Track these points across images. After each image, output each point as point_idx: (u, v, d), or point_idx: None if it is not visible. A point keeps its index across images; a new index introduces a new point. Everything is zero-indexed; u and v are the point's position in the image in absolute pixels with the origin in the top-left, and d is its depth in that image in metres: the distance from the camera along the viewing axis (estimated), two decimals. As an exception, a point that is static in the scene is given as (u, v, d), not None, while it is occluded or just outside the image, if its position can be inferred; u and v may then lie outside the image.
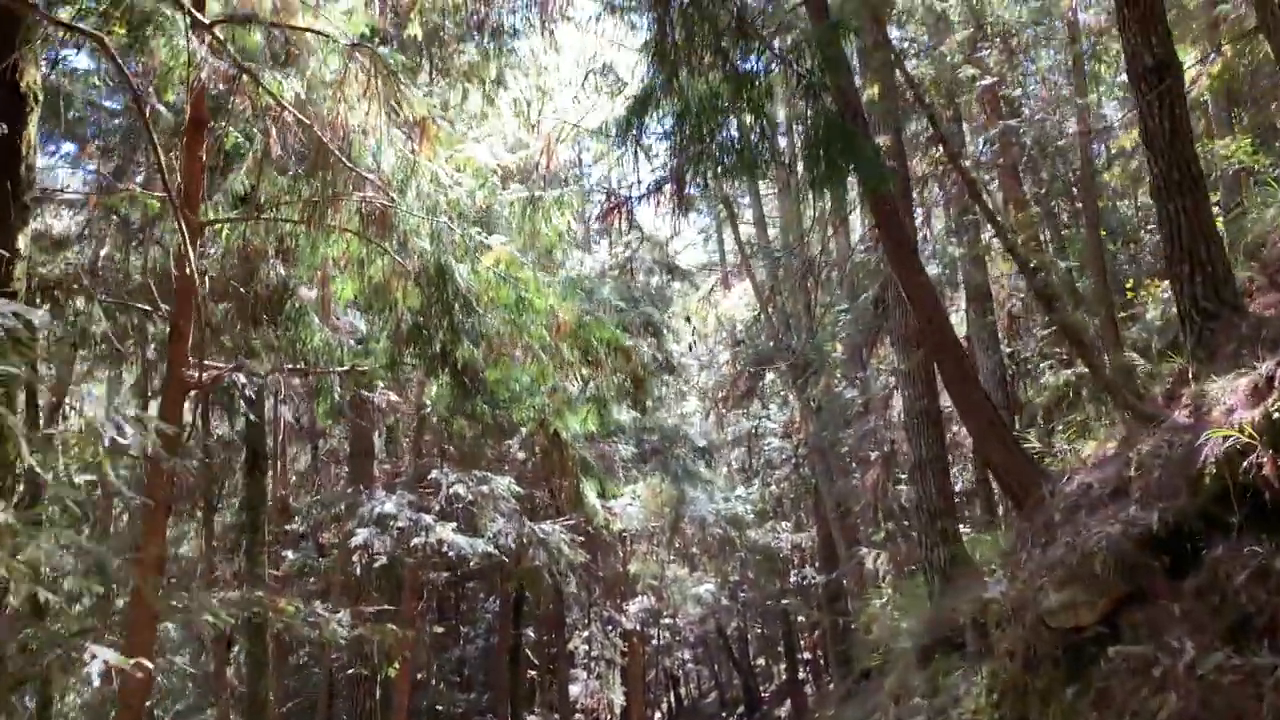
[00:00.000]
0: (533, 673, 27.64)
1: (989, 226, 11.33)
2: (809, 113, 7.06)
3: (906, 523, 14.71)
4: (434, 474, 11.55)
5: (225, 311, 8.31)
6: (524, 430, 14.47)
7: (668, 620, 35.78)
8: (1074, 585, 5.12)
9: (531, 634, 26.69)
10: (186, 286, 6.54)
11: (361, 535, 12.05)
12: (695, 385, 24.19)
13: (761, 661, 48.05)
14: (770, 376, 22.44)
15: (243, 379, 6.74)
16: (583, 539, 16.16)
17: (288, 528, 17.38)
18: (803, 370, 16.73)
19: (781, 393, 21.95)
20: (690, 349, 22.40)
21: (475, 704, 23.10)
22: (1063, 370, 10.45)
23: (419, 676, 21.72)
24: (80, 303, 8.08)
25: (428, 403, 11.10)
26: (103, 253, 9.57)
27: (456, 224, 7.29)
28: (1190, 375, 5.91)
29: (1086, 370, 9.10)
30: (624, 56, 19.70)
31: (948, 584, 10.50)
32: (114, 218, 9.20)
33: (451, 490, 11.51)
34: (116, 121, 10.77)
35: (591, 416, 8.03)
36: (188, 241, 6.26)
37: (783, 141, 12.93)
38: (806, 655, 41.13)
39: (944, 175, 12.11)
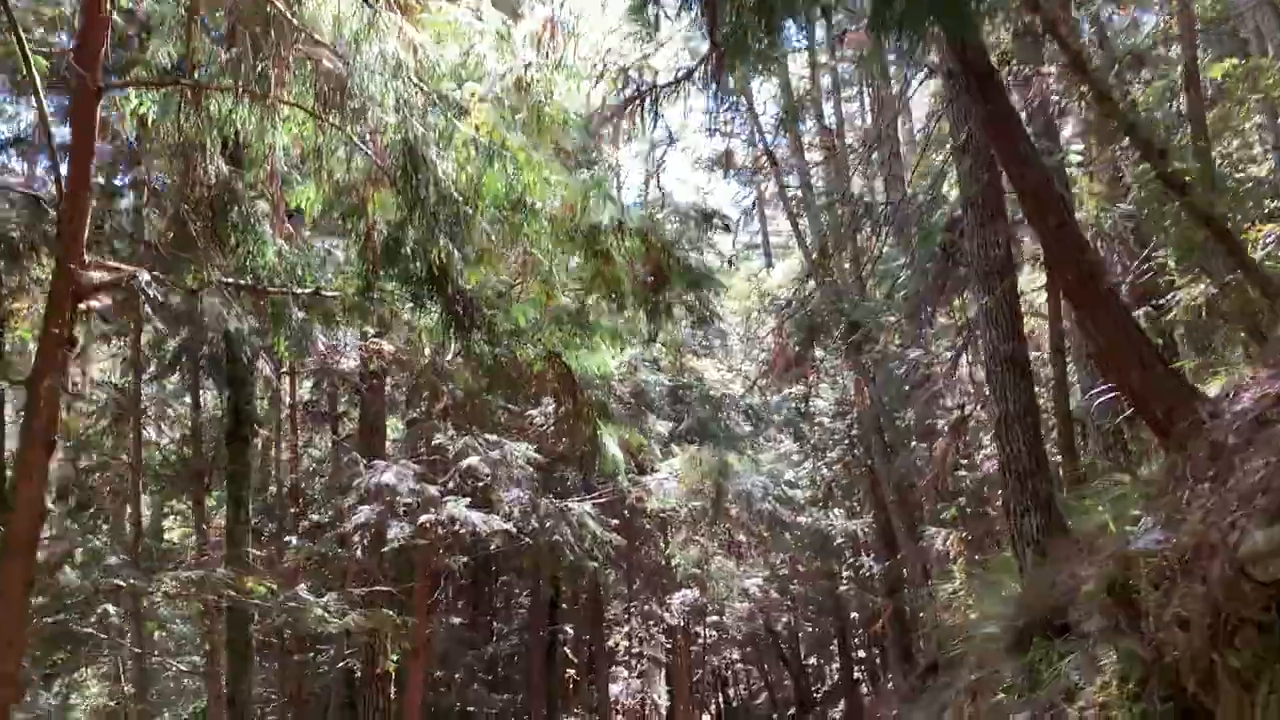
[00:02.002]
0: (571, 671, 26.22)
1: (1087, 106, 9.59)
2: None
3: (984, 493, 13.01)
4: (438, 439, 10.10)
5: (157, 215, 6.91)
6: (544, 400, 13.04)
7: (714, 617, 34.23)
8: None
9: (570, 631, 25.28)
10: (82, 171, 5.12)
11: (363, 513, 10.65)
12: (739, 367, 22.50)
13: (813, 661, 46.19)
14: (820, 354, 20.75)
15: (151, 287, 5.32)
16: (617, 522, 14.64)
17: (314, 518, 16.15)
18: (855, 333, 15.06)
19: (833, 368, 20.20)
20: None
21: (510, 704, 21.68)
22: (1194, 285, 8.68)
23: (439, 674, 20.37)
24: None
25: (424, 346, 9.67)
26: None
27: (430, 104, 5.80)
28: None
29: (1217, 290, 7.39)
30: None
31: (1043, 557, 8.82)
32: None
33: (458, 453, 10.05)
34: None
35: (605, 339, 6.52)
36: (83, 107, 4.84)
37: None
38: (861, 653, 39.26)
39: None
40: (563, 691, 25.29)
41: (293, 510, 14.18)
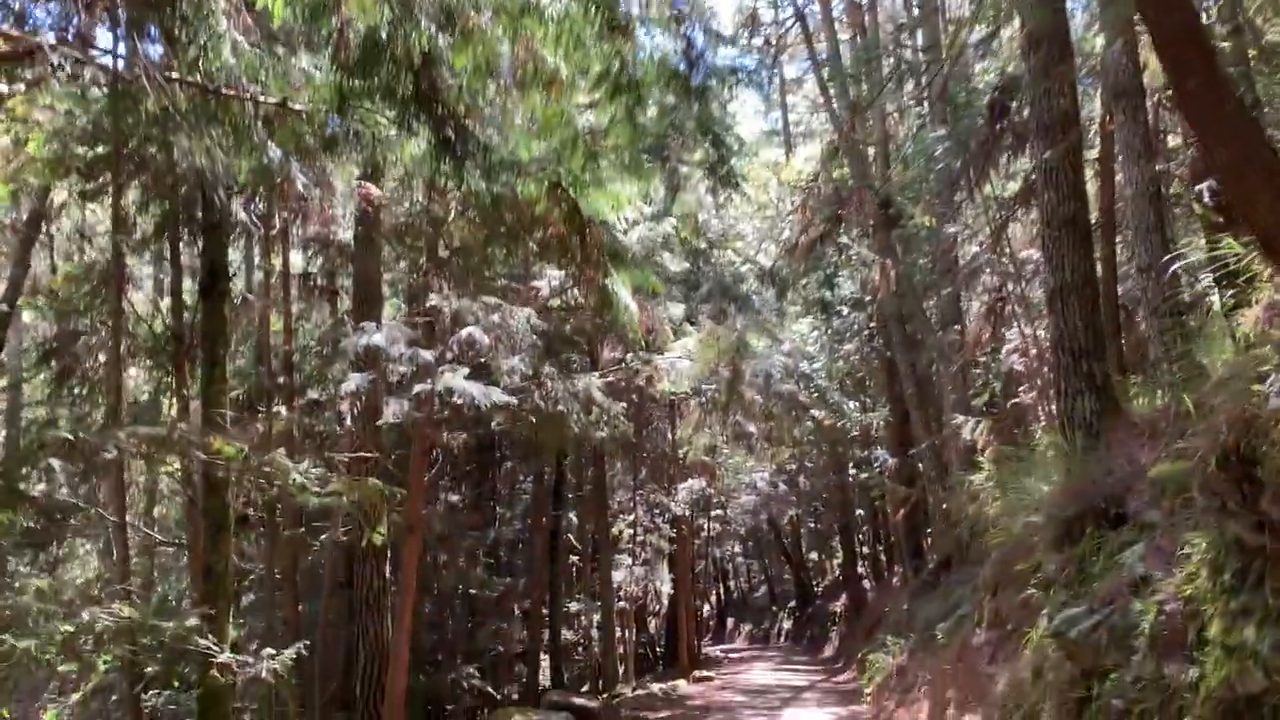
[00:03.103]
0: (574, 558, 26.01)
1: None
2: None
3: (1018, 382, 12.15)
4: (433, 298, 9.19)
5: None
6: (548, 271, 12.09)
7: (718, 511, 33.99)
8: None
9: (574, 518, 24.94)
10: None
11: (354, 380, 9.83)
12: (760, 248, 21.38)
13: (815, 556, 46.42)
14: (845, 241, 19.63)
15: (66, 61, 4.33)
16: (625, 405, 13.86)
17: (311, 396, 15.43)
18: (886, 210, 13.99)
19: (855, 255, 19.12)
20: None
21: (511, 588, 21.41)
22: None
23: (443, 559, 20.01)
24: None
25: (415, 187, 8.70)
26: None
27: None
28: None
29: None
30: None
31: (1095, 442, 8.00)
32: None
33: (455, 316, 9.18)
34: None
35: (620, 133, 5.53)
36: None
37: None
38: (865, 549, 39.25)
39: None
40: (565, 578, 25.09)
41: (282, 380, 13.41)
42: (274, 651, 7.75)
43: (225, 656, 7.51)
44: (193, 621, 7.35)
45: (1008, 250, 12.00)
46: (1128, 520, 7.17)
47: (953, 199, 13.94)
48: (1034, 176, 9.51)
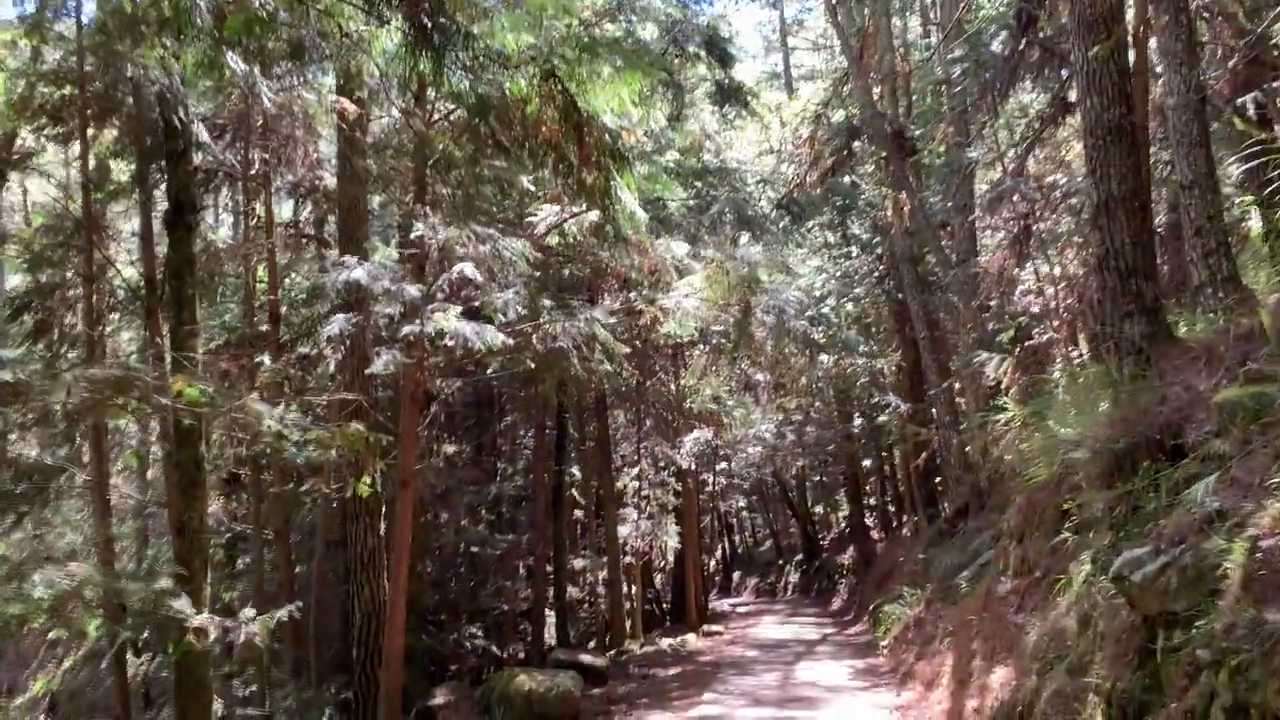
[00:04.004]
0: (579, 513, 25.47)
1: None
2: None
3: (1040, 310, 11.38)
4: (419, 228, 8.42)
5: None
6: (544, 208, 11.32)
7: (723, 464, 33.40)
8: None
9: (576, 473, 24.36)
10: None
11: (336, 323, 9.11)
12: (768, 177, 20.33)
13: (819, 510, 46.01)
14: (852, 180, 18.77)
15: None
16: (628, 351, 13.15)
17: (304, 352, 14.76)
18: (900, 138, 13.15)
19: (864, 194, 18.29)
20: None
21: (514, 545, 20.85)
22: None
23: (444, 517, 19.45)
24: None
25: (392, 94, 7.89)
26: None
27: None
28: None
29: None
30: None
31: (1147, 368, 7.30)
32: None
33: (443, 249, 8.42)
34: None
35: (619, 64, 4.77)
36: None
37: None
38: (872, 501, 38.79)
39: None
40: (570, 534, 24.57)
41: (266, 329, 12.70)
42: (253, 614, 7.13)
43: (200, 620, 6.88)
44: (164, 583, 6.71)
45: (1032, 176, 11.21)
46: (1188, 452, 6.52)
47: (967, 127, 13.14)
48: (1070, 86, 8.73)
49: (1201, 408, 6.46)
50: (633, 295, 12.16)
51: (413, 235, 8.55)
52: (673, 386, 21.48)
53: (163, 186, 10.81)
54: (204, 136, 9.64)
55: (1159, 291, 7.70)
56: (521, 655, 19.79)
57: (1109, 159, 7.60)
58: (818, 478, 39.90)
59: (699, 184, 13.48)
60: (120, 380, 5.99)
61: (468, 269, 9.14)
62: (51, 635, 15.12)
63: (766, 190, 13.75)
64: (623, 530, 22.08)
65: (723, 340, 14.40)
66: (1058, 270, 11.23)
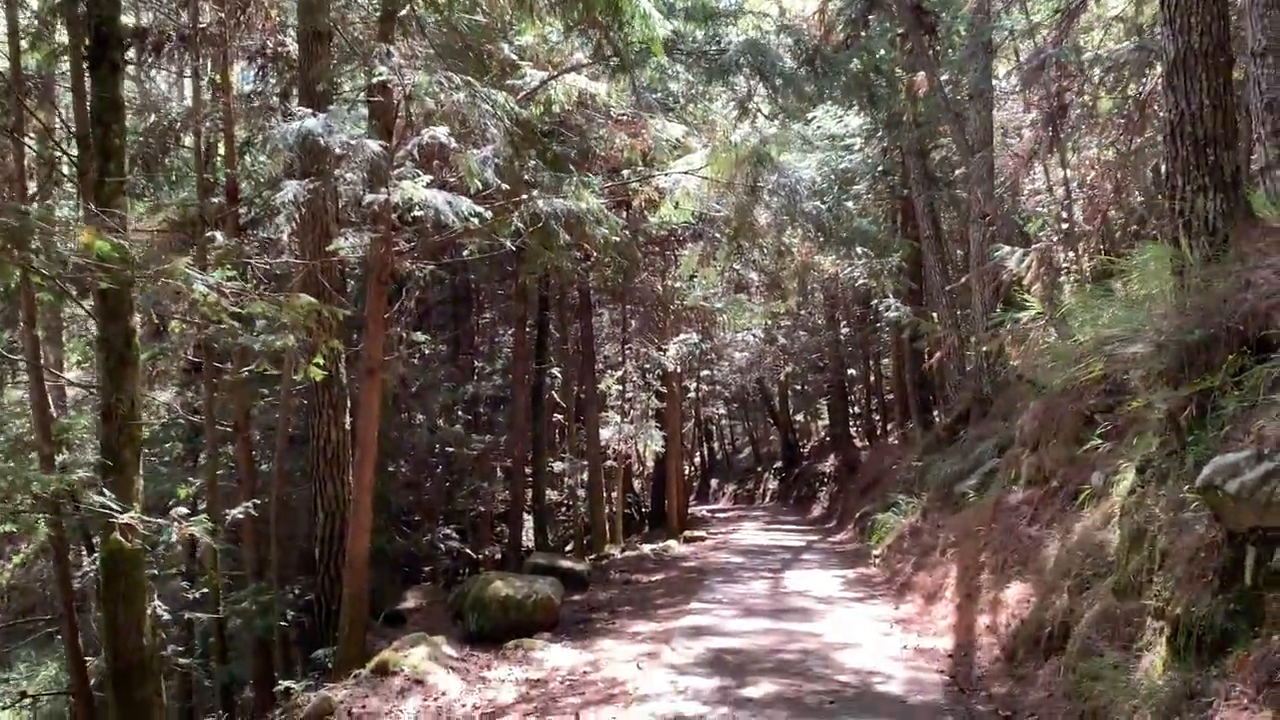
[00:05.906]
0: (559, 416, 24.66)
1: None
2: None
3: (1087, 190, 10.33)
4: (382, 70, 7.21)
5: None
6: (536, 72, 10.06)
7: (706, 371, 32.60)
8: None
9: (558, 374, 23.46)
10: None
11: (290, 189, 7.96)
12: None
13: (801, 418, 45.58)
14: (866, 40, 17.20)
15: None
16: (618, 240, 12.04)
17: (268, 236, 13.59)
18: (918, 10, 11.86)
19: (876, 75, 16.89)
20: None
21: (492, 446, 20.02)
22: None
23: (420, 417, 18.54)
24: None
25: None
26: None
27: None
28: None
29: None
30: None
31: (1224, 248, 6.34)
32: None
33: (408, 94, 7.25)
34: None
35: None
36: None
37: None
38: (856, 410, 38.31)
39: None
40: (550, 436, 23.78)
41: (220, 201, 11.49)
42: (186, 511, 6.21)
43: (128, 517, 5.94)
44: (80, 474, 5.76)
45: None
46: (1273, 346, 5.64)
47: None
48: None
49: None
50: (625, 173, 11.04)
51: (374, 79, 7.33)
52: (659, 287, 20.44)
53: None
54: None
55: (1239, 163, 6.69)
56: (498, 557, 19.16)
57: (1190, 5, 6.50)
58: (799, 386, 39.30)
59: (709, 25, 12.02)
60: (14, 231, 4.90)
61: (440, 132, 7.97)
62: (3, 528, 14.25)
63: (785, 38, 12.49)
64: (605, 433, 21.30)
65: (721, 230, 13.22)
66: (1093, 154, 10.18)
